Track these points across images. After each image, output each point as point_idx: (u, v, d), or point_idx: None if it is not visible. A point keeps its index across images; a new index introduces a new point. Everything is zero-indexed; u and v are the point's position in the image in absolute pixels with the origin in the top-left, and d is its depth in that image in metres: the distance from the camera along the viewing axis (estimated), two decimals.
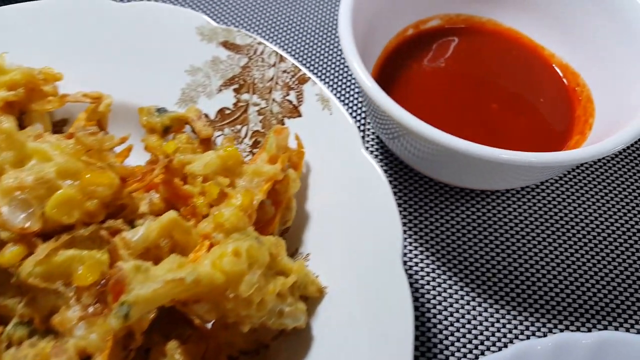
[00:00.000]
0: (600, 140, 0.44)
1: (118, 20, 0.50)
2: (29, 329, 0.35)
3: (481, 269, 0.47)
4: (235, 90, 0.48)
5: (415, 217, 0.50)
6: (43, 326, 0.34)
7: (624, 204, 0.51)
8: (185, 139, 0.44)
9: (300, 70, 0.47)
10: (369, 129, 0.55)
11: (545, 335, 0.44)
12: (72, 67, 0.48)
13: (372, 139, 0.55)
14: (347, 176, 0.42)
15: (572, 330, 0.44)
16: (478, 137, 0.48)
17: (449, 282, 0.46)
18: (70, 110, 0.48)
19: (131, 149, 0.44)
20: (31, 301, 0.35)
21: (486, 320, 0.44)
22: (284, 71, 0.47)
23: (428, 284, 0.46)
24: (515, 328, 0.44)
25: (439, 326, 0.44)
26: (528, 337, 0.44)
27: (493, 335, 0.44)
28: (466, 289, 0.46)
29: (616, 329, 0.44)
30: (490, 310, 0.45)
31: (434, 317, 0.44)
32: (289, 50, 0.62)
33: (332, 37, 0.63)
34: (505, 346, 0.43)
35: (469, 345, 0.43)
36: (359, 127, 0.56)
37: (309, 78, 0.46)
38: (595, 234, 0.49)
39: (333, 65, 0.61)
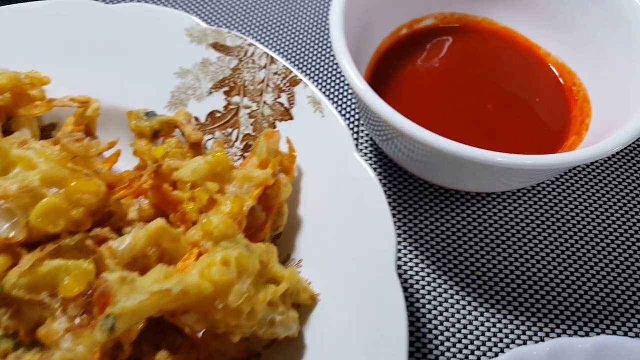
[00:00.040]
0: (597, 141, 0.43)
1: (106, 22, 0.49)
2: (14, 342, 0.34)
3: (477, 273, 0.46)
4: (225, 92, 0.47)
5: (410, 220, 0.49)
6: (29, 338, 0.34)
7: (621, 205, 0.50)
8: (174, 143, 0.43)
9: (291, 72, 0.46)
10: (362, 130, 0.55)
11: (542, 340, 0.43)
12: (59, 70, 0.47)
13: (366, 141, 0.54)
14: (340, 180, 0.41)
15: (569, 335, 0.43)
16: (473, 138, 0.48)
17: (444, 286, 0.45)
18: (58, 115, 0.48)
19: (119, 154, 0.44)
20: (16, 313, 0.34)
21: (482, 325, 0.44)
22: (275, 73, 0.46)
23: (423, 288, 0.45)
24: (512, 332, 0.43)
25: (435, 332, 0.43)
26: (525, 342, 0.43)
27: (489, 340, 0.43)
28: (462, 293, 0.45)
29: (613, 332, 0.44)
30: (486, 314, 0.44)
31: (429, 322, 0.44)
32: (280, 51, 0.61)
33: (324, 37, 0.62)
34: (502, 351, 0.42)
35: (465, 351, 0.42)
36: (352, 128, 0.55)
37: (301, 80, 0.45)
38: (593, 235, 0.48)
39: (326, 66, 0.60)
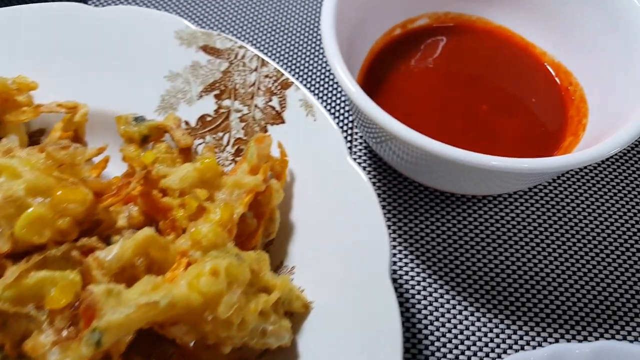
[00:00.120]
0: (594, 142, 0.42)
1: (94, 26, 0.48)
2: (1, 356, 0.33)
3: (473, 277, 0.45)
4: (216, 96, 0.46)
5: (405, 224, 0.48)
6: (15, 352, 0.33)
7: (619, 206, 0.50)
8: (164, 148, 0.43)
9: (282, 74, 0.45)
10: (356, 133, 0.54)
11: (539, 345, 0.42)
12: (47, 74, 0.46)
13: (360, 143, 0.53)
14: (333, 185, 0.40)
15: (567, 339, 0.43)
16: (468, 139, 0.47)
17: (440, 291, 0.45)
18: (47, 120, 0.47)
19: (108, 160, 0.43)
20: (1, 326, 0.33)
21: (479, 330, 0.43)
22: (266, 76, 0.45)
23: (419, 293, 0.45)
24: (509, 338, 0.43)
25: (431, 337, 0.42)
26: (522, 347, 0.42)
27: (486, 345, 0.42)
28: (458, 297, 0.44)
29: (612, 337, 0.43)
30: (483, 319, 0.43)
31: (425, 328, 0.43)
32: (272, 53, 0.60)
33: (316, 39, 0.61)
34: (499, 357, 0.42)
35: (461, 357, 0.42)
36: (345, 130, 0.54)
37: (292, 83, 0.44)
38: (590, 237, 0.48)
39: (319, 67, 0.59)
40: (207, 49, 0.47)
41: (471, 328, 0.43)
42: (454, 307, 0.44)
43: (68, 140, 0.40)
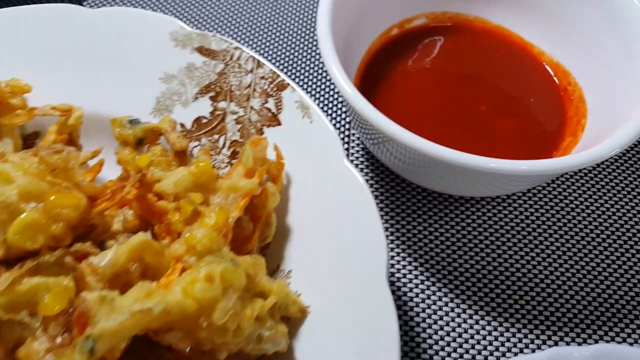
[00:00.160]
0: (593, 143, 0.42)
1: (88, 27, 0.48)
2: None
3: (471, 279, 0.45)
4: (211, 98, 0.46)
5: (402, 226, 0.48)
6: (8, 359, 0.33)
7: (618, 207, 0.49)
8: (159, 151, 0.42)
9: (278, 76, 0.45)
10: (353, 134, 0.53)
11: (539, 348, 0.42)
12: (41, 77, 0.46)
13: (357, 144, 0.53)
14: (329, 188, 0.40)
15: (566, 342, 0.42)
16: (466, 140, 0.47)
17: (438, 293, 0.44)
18: (42, 123, 0.46)
19: (103, 164, 0.42)
20: None
21: (477, 333, 0.43)
22: (262, 77, 0.45)
23: (417, 296, 0.44)
24: (508, 341, 0.42)
25: (429, 341, 0.42)
26: (521, 350, 0.42)
27: (485, 349, 0.42)
28: (456, 300, 0.44)
29: (612, 339, 0.43)
30: (481, 322, 0.43)
31: (424, 331, 0.43)
32: (267, 55, 0.59)
33: (313, 39, 0.61)
34: None
35: None
36: (343, 131, 0.54)
37: (288, 84, 0.44)
38: (589, 239, 0.47)
39: (316, 68, 0.58)
40: (203, 51, 0.47)
41: (470, 331, 0.43)
42: (452, 310, 0.44)
43: (61, 144, 0.40)
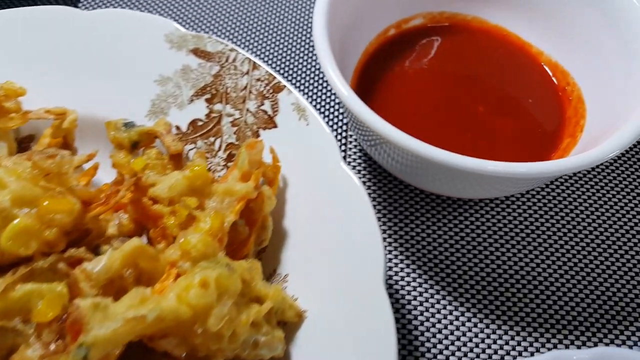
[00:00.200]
0: (591, 144, 0.42)
1: (82, 29, 0.47)
2: None
3: (470, 282, 0.45)
4: (207, 100, 0.45)
5: (400, 228, 0.47)
6: None
7: (618, 207, 0.49)
8: (154, 154, 0.42)
9: (274, 78, 0.44)
10: (351, 135, 0.53)
11: (537, 351, 0.42)
12: (35, 80, 0.46)
13: (355, 146, 0.53)
14: (326, 191, 0.40)
15: (565, 345, 0.42)
16: (464, 141, 0.46)
17: (436, 296, 0.44)
18: (37, 126, 0.46)
19: (97, 167, 0.42)
20: None
21: (476, 336, 0.42)
22: (258, 79, 0.45)
23: (415, 299, 0.44)
24: (507, 344, 0.42)
25: (427, 344, 0.42)
26: (520, 353, 0.42)
27: (483, 352, 0.42)
28: (455, 303, 0.44)
29: (611, 341, 0.42)
30: (480, 325, 0.43)
31: (422, 334, 0.42)
32: (263, 56, 0.59)
33: (309, 40, 0.60)
34: None
35: None
36: (340, 133, 0.53)
37: (284, 86, 0.44)
38: (589, 240, 0.47)
39: (312, 69, 0.58)
40: (198, 52, 0.46)
41: (468, 334, 0.42)
42: (450, 313, 0.43)
43: (55, 148, 0.40)
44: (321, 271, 0.38)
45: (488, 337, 0.42)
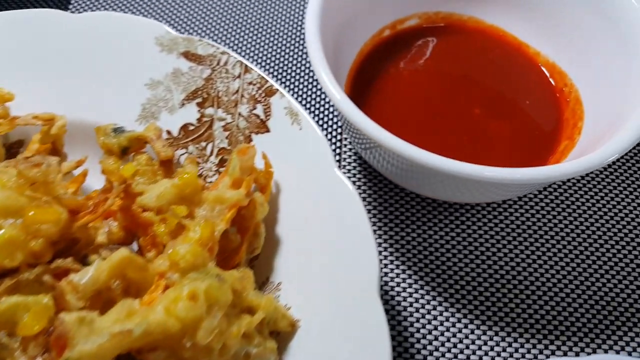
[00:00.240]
0: (590, 146, 0.41)
1: (71, 33, 0.47)
2: None
3: (467, 287, 0.44)
4: (198, 104, 0.44)
5: (396, 233, 0.47)
6: None
7: (615, 211, 0.48)
8: (145, 160, 0.41)
9: (267, 81, 0.43)
10: (345, 138, 0.52)
11: (535, 358, 0.41)
12: (23, 84, 0.45)
13: (350, 149, 0.52)
14: (319, 197, 0.39)
15: (564, 351, 0.41)
16: (460, 143, 0.46)
17: (432, 302, 0.43)
18: (26, 131, 0.45)
19: (86, 174, 0.41)
20: None
21: (473, 343, 0.42)
22: (250, 83, 0.44)
23: (411, 305, 0.43)
24: (504, 350, 0.41)
25: (423, 352, 0.41)
26: None
27: (480, 359, 0.41)
28: (451, 309, 0.43)
29: (610, 347, 0.42)
30: (477, 332, 0.42)
31: (418, 342, 0.42)
32: (255, 59, 0.58)
33: (302, 43, 0.59)
34: None
35: None
36: (335, 135, 0.52)
37: (277, 90, 0.43)
38: (587, 244, 0.46)
39: (305, 72, 0.57)
40: (189, 56, 0.45)
41: (465, 341, 0.42)
42: (447, 320, 0.43)
43: (42, 156, 0.39)
44: (315, 279, 0.37)
45: (485, 344, 0.42)
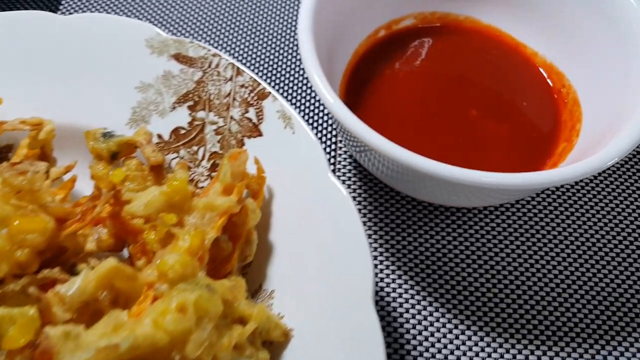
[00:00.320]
0: (588, 148, 0.40)
1: (61, 35, 0.46)
2: None
3: (463, 292, 0.43)
4: (189, 107, 0.44)
5: (392, 237, 0.46)
6: None
7: (614, 214, 0.48)
8: (135, 165, 0.40)
9: (259, 84, 0.42)
10: (340, 141, 0.51)
11: None
12: (12, 87, 0.44)
13: (345, 152, 0.51)
14: (312, 202, 0.38)
15: (562, 357, 0.41)
16: (456, 146, 0.45)
17: (429, 308, 0.43)
18: (15, 136, 0.44)
19: (75, 180, 0.41)
20: None
21: (470, 349, 0.41)
22: (242, 86, 0.43)
23: (407, 311, 0.43)
24: (502, 357, 0.41)
25: (420, 359, 0.40)
26: None
27: None
28: (448, 315, 0.42)
29: (609, 353, 0.41)
30: (474, 338, 0.41)
31: (414, 349, 0.41)
32: (247, 61, 0.57)
33: (295, 44, 0.58)
34: None
35: None
36: (330, 137, 0.52)
37: (269, 93, 0.42)
38: (586, 247, 0.46)
39: (299, 75, 0.56)
40: (180, 58, 0.44)
41: (462, 348, 0.41)
42: (443, 326, 0.42)
43: (30, 162, 0.38)
44: (308, 287, 0.36)
45: (482, 350, 0.41)
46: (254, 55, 0.57)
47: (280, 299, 0.37)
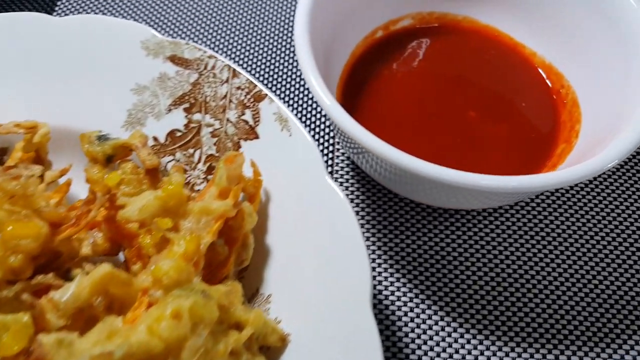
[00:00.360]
0: (587, 150, 0.40)
1: (56, 37, 0.45)
2: None
3: (462, 295, 0.43)
4: (185, 109, 0.43)
5: (390, 240, 0.46)
6: None
7: (614, 215, 0.47)
8: (130, 168, 0.40)
9: (255, 86, 0.42)
10: (338, 142, 0.51)
11: None
12: (7, 90, 0.44)
13: (343, 154, 0.51)
14: (309, 205, 0.38)
15: (565, 357, 0.40)
16: (455, 147, 0.45)
17: (428, 311, 0.42)
18: (10, 139, 0.44)
19: (70, 184, 0.40)
20: None
21: (469, 353, 0.41)
22: (238, 87, 0.43)
23: (406, 315, 0.42)
24: None
25: None
26: None
27: None
28: (447, 318, 0.42)
29: (609, 356, 0.41)
30: (473, 341, 0.41)
31: (413, 352, 0.41)
32: (244, 63, 0.56)
33: (292, 46, 0.58)
34: None
35: None
36: (327, 139, 0.51)
37: (266, 95, 0.42)
38: (585, 249, 0.45)
39: (295, 76, 0.56)
40: (175, 60, 0.44)
41: (461, 351, 0.41)
42: (442, 329, 0.42)
43: (24, 166, 0.38)
44: (305, 291, 0.36)
45: (482, 353, 0.41)
46: (250, 57, 0.57)
47: (278, 303, 0.37)
